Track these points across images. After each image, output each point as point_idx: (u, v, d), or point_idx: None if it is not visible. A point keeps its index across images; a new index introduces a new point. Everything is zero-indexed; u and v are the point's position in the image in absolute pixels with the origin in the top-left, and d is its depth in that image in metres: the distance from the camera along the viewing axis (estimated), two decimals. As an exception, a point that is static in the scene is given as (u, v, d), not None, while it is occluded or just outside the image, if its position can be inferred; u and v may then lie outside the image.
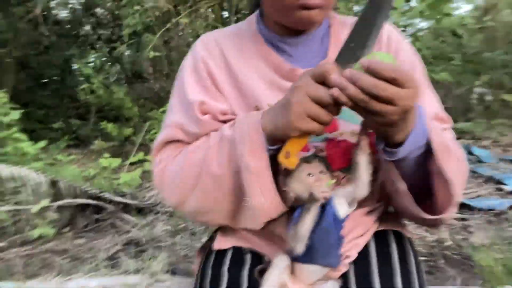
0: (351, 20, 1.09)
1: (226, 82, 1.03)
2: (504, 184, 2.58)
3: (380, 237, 1.04)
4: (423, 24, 4.39)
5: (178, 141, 1.01)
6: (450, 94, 5.80)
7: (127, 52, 4.65)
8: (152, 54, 4.25)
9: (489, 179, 2.80)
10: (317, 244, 0.89)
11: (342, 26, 1.08)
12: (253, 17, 1.11)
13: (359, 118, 0.97)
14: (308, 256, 0.90)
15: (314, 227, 0.87)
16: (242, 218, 0.95)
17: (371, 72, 0.71)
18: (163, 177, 1.00)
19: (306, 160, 0.90)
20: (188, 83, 1.05)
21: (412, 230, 1.08)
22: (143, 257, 1.87)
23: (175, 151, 1.00)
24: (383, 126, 0.80)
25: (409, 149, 0.84)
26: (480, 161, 3.32)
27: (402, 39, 1.06)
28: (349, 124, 0.97)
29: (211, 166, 0.90)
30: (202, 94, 1.01)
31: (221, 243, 1.11)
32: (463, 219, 2.08)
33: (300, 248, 0.88)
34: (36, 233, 2.20)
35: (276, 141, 0.87)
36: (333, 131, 0.99)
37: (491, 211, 2.10)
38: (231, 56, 1.05)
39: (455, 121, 5.11)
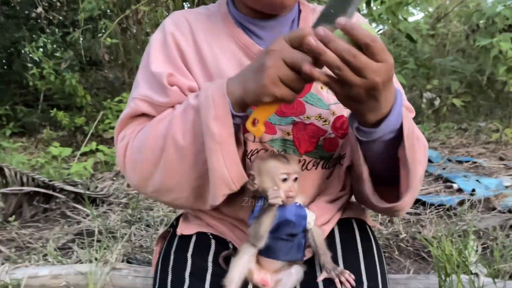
0: (320, 8, 1.10)
1: (194, 60, 1.01)
2: (453, 183, 2.71)
3: (344, 225, 1.05)
4: (380, 27, 4.54)
5: (143, 115, 0.97)
6: (401, 97, 5.99)
7: (81, 38, 4.45)
8: (109, 40, 4.10)
9: (438, 178, 2.93)
10: (279, 244, 0.89)
11: (312, 13, 1.08)
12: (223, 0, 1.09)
13: (325, 103, 0.99)
14: (271, 253, 0.90)
15: (275, 226, 0.87)
16: (205, 195, 0.91)
17: (347, 31, 0.69)
18: (125, 153, 0.95)
19: (274, 156, 0.88)
20: (157, 57, 1.01)
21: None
22: (97, 248, 1.79)
23: (139, 126, 0.96)
24: (352, 101, 0.79)
25: (383, 132, 0.85)
26: (430, 161, 3.47)
27: (371, 28, 1.08)
28: (315, 108, 0.98)
29: (175, 136, 0.86)
30: (170, 67, 0.98)
31: (185, 228, 1.08)
32: (416, 214, 2.16)
33: (260, 245, 0.88)
34: (-22, 221, 2.06)
35: (243, 107, 0.84)
36: (300, 114, 0.99)
37: (441, 207, 2.20)
38: (201, 35, 1.03)
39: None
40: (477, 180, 2.69)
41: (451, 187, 2.65)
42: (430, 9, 5.49)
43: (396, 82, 1.08)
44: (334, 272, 0.89)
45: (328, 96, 0.99)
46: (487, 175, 2.95)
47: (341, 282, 0.89)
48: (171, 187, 0.92)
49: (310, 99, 0.98)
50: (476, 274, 1.21)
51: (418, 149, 0.91)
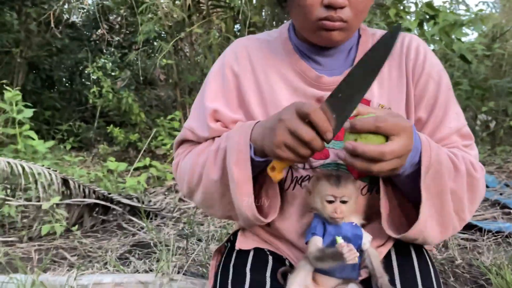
0: (381, 33, 1.12)
1: (251, 89, 1.07)
2: (510, 209, 2.59)
3: (400, 248, 1.05)
4: (432, 47, 4.46)
5: (191, 140, 1.10)
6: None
7: (138, 59, 4.69)
8: (164, 61, 4.29)
9: (495, 203, 2.81)
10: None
11: (372, 37, 1.10)
12: (286, 25, 1.14)
13: (341, 144, 1.00)
14: (327, 270, 0.92)
15: (330, 242, 0.90)
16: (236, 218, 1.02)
17: (356, 131, 0.78)
18: (177, 170, 1.11)
19: (328, 176, 0.92)
20: (210, 88, 1.11)
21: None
22: (152, 259, 1.87)
23: (188, 149, 1.10)
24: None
25: (404, 168, 0.87)
26: (486, 185, 3.33)
27: (430, 52, 1.07)
28: None
29: (209, 171, 0.99)
30: (222, 101, 1.08)
31: (243, 243, 1.12)
32: (472, 240, 2.09)
33: (316, 266, 0.92)
34: (45, 229, 2.20)
35: (265, 155, 0.92)
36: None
37: (499, 233, 2.12)
38: (259, 63, 1.08)
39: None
40: (538, 207, 2.57)
41: (509, 213, 2.54)
42: (485, 28, 5.34)
43: (455, 104, 1.08)
44: None
45: None
46: (548, 201, 2.80)
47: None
48: (210, 204, 1.06)
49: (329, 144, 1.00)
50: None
51: (451, 179, 0.92)
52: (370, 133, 0.77)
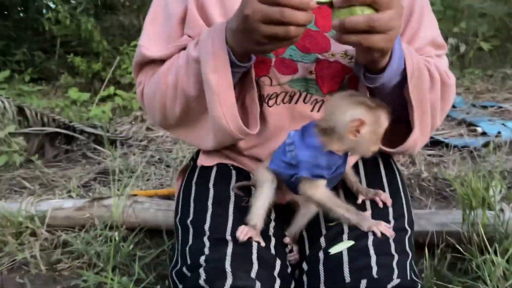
0: None
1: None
2: (477, 126, 2.64)
3: (368, 159, 1.03)
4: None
5: (153, 61, 0.98)
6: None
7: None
8: (123, -18, 3.98)
9: (461, 122, 2.86)
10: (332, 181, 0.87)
11: None
12: None
13: (310, 58, 0.93)
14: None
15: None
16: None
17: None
18: (143, 99, 1.00)
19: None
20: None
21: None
22: (118, 185, 1.82)
23: (150, 71, 0.99)
24: (369, 54, 0.78)
25: (389, 75, 0.83)
26: (453, 106, 3.37)
27: None
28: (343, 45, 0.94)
29: (184, 88, 0.89)
30: (182, 6, 0.96)
31: (205, 160, 1.07)
32: (439, 155, 2.12)
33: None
34: (2, 159, 2.10)
35: (246, 56, 0.84)
36: (324, 51, 0.94)
37: (465, 148, 2.16)
38: None
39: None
40: (503, 124, 2.62)
41: (475, 130, 2.59)
42: None
43: (429, 12, 1.02)
44: (369, 194, 0.90)
45: None
46: (513, 119, 2.87)
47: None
48: (190, 125, 0.97)
49: (294, 55, 0.93)
50: (502, 210, 1.19)
51: (428, 87, 0.90)
52: (362, 8, 0.71)
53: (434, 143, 2.26)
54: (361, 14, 0.70)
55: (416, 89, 0.87)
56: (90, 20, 4.43)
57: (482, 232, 1.04)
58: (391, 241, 0.82)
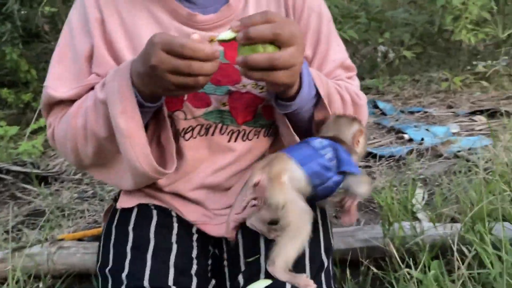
0: None
1: (117, 33, 0.95)
2: (404, 133, 2.78)
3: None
4: (330, -18, 4.46)
5: (61, 101, 0.96)
6: (358, 53, 6.05)
7: (18, 9, 4.16)
8: (48, 9, 3.85)
9: (391, 130, 3.00)
10: None
11: None
12: None
13: (222, 90, 0.95)
14: None
15: None
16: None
17: (248, 40, 0.72)
18: (55, 141, 0.98)
19: None
20: (76, 34, 0.96)
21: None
22: (47, 227, 1.74)
23: (60, 112, 0.97)
24: (275, 87, 0.82)
25: (300, 102, 0.87)
26: (384, 113, 3.53)
27: None
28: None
29: (94, 129, 0.87)
30: (88, 44, 0.95)
31: (125, 201, 1.05)
32: (367, 166, 2.21)
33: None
34: None
35: (156, 98, 0.84)
36: (235, 83, 0.96)
37: (392, 158, 2.26)
38: (123, 5, 0.96)
39: (362, 78, 5.37)
40: (427, 129, 2.77)
41: (402, 137, 2.73)
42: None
43: (336, 36, 1.07)
44: None
45: None
46: (436, 123, 3.04)
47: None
48: (106, 166, 0.96)
49: (206, 88, 0.95)
50: (419, 220, 1.26)
51: (340, 110, 0.95)
52: (265, 45, 0.73)
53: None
54: (262, 52, 0.72)
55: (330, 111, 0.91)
56: (14, 50, 4.23)
57: (397, 245, 1.09)
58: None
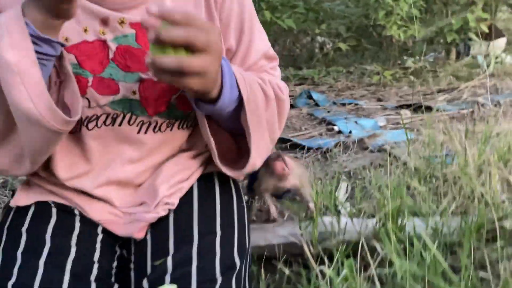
0: None
1: None
2: (334, 125, 2.83)
3: (204, 180, 1.01)
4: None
5: None
6: (298, 42, 6.11)
7: None
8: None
9: (322, 121, 3.05)
10: None
11: None
12: None
13: (132, 77, 0.87)
14: None
15: None
16: (23, 142, 0.79)
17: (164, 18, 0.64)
18: None
19: None
20: None
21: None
22: None
23: None
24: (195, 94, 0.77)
25: (221, 106, 0.80)
26: (317, 104, 3.59)
27: None
28: None
29: None
30: None
31: (22, 199, 0.94)
32: (296, 158, 2.21)
33: None
34: None
35: (52, 27, 0.72)
36: (147, 70, 0.87)
37: (319, 149, 2.29)
38: None
39: (300, 68, 5.42)
40: (356, 122, 2.84)
41: (333, 129, 2.77)
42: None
43: (258, 23, 1.03)
44: None
45: None
46: (365, 116, 3.14)
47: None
48: None
49: (116, 75, 0.87)
50: (338, 215, 1.26)
51: (264, 108, 0.90)
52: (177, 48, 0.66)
53: (293, 146, 2.37)
54: (173, 55, 0.66)
55: (252, 114, 0.86)
56: None
57: (314, 242, 1.08)
58: (218, 281, 0.81)
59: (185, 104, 0.93)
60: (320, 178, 1.71)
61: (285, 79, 3.70)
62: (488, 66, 4.35)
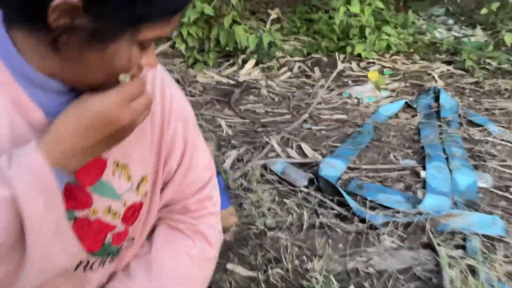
0: None
1: None
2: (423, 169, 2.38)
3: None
4: None
5: None
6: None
7: None
8: None
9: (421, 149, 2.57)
10: None
11: None
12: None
13: (116, 193, 0.85)
14: None
15: None
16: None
17: None
18: None
19: None
20: None
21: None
22: None
23: None
24: None
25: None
26: (438, 112, 3.01)
27: (175, 86, 0.96)
28: (105, 199, 0.83)
29: None
30: None
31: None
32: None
33: None
34: None
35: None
36: (84, 207, 0.83)
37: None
38: None
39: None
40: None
41: (418, 175, 2.33)
42: None
43: (200, 137, 1.03)
44: None
45: (120, 183, 0.85)
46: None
47: None
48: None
49: (99, 189, 0.82)
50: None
51: None
52: None
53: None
54: None
55: None
56: None
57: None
58: None
59: (119, 239, 0.90)
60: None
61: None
62: None
